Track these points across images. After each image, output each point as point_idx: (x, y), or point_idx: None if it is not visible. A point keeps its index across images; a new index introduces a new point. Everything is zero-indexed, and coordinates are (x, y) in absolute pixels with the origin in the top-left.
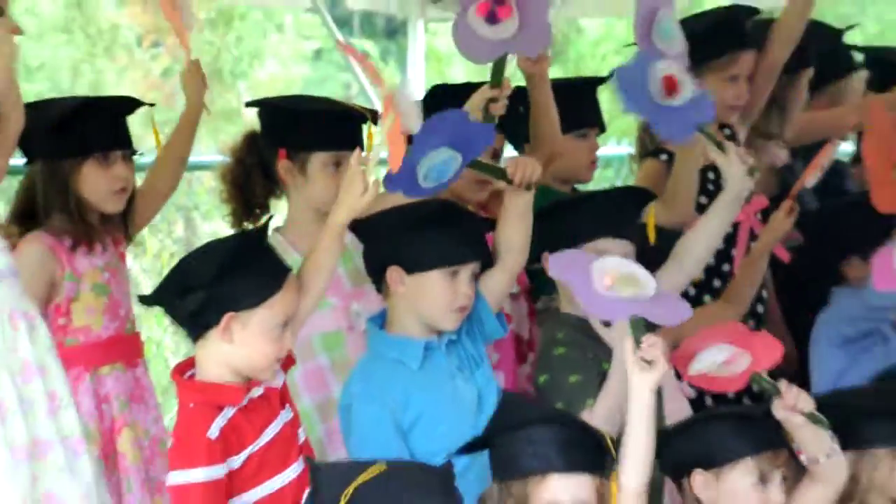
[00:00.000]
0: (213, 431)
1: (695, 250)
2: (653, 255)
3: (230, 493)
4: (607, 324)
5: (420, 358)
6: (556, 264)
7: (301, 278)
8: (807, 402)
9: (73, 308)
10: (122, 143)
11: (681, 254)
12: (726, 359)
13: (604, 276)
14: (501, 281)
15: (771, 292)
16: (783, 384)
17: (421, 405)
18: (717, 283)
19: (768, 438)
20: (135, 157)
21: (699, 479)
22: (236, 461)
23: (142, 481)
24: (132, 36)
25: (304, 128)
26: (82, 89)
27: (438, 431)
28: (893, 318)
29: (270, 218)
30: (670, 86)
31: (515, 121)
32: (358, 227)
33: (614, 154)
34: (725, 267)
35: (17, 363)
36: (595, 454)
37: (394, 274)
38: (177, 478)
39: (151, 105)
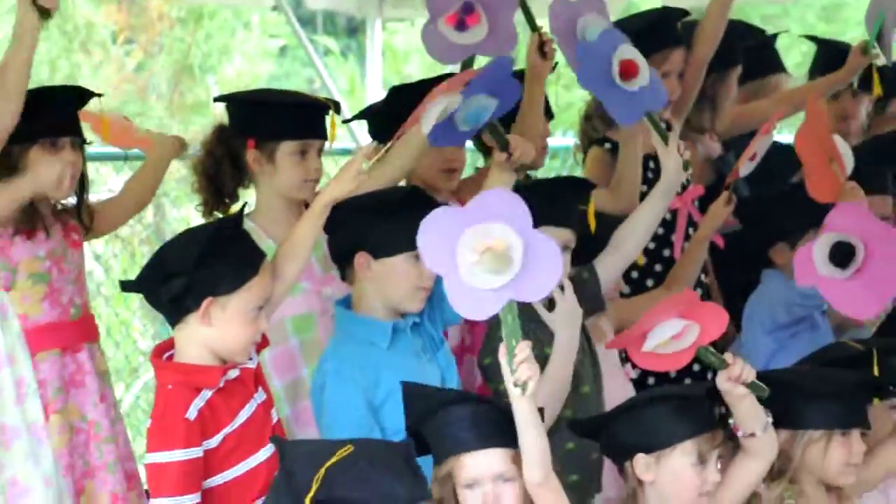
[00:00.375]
0: (192, 413)
1: (632, 236)
2: (596, 242)
3: (206, 473)
4: (550, 307)
5: (389, 338)
6: (428, 230)
7: (276, 263)
8: (750, 373)
9: (10, 296)
10: (71, 130)
11: (620, 240)
12: (676, 333)
13: (473, 248)
14: None
15: (711, 277)
16: (728, 356)
17: (391, 383)
18: (658, 267)
19: (706, 420)
20: (85, 147)
21: (641, 463)
22: (212, 442)
23: (65, 467)
24: (107, 33)
25: (272, 118)
26: (59, 82)
27: None
28: (825, 306)
29: (245, 205)
30: (630, 70)
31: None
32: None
33: (560, 145)
34: (666, 252)
35: None
36: (505, 427)
37: (361, 259)
38: (155, 458)
39: (100, 95)
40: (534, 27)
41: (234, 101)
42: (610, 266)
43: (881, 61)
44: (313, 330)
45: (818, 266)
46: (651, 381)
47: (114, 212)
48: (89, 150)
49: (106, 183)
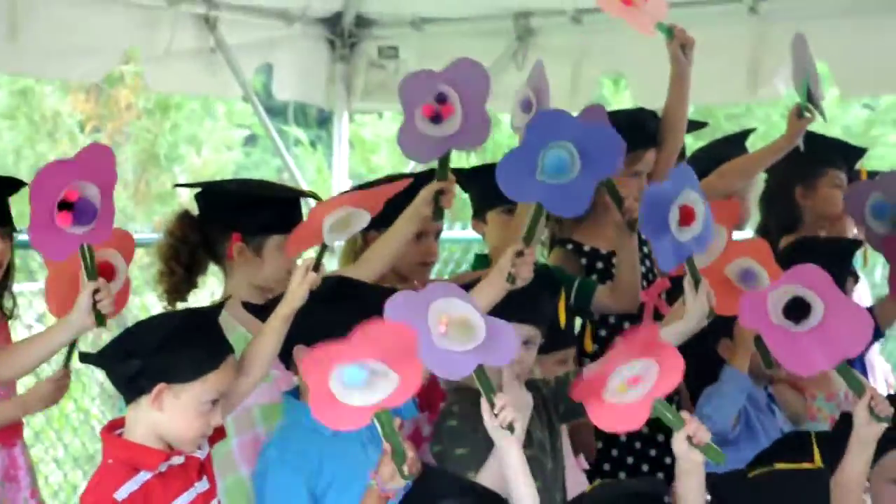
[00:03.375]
0: (122, 493)
1: None
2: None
3: None
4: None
5: None
6: (394, 308)
7: (244, 360)
8: (706, 435)
9: None
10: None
11: None
12: (635, 375)
13: (438, 321)
14: None
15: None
16: (685, 414)
17: (333, 471)
18: None
19: None
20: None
21: None
22: None
23: None
24: (73, 122)
25: (261, 212)
26: (24, 171)
27: (349, 497)
28: (737, 433)
29: (228, 299)
30: (688, 217)
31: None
32: (258, 314)
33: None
34: None
35: None
36: None
37: (300, 353)
38: None
39: (25, 185)
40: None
41: (217, 193)
42: None
43: (819, 120)
44: (278, 419)
45: (771, 314)
46: (606, 466)
47: None
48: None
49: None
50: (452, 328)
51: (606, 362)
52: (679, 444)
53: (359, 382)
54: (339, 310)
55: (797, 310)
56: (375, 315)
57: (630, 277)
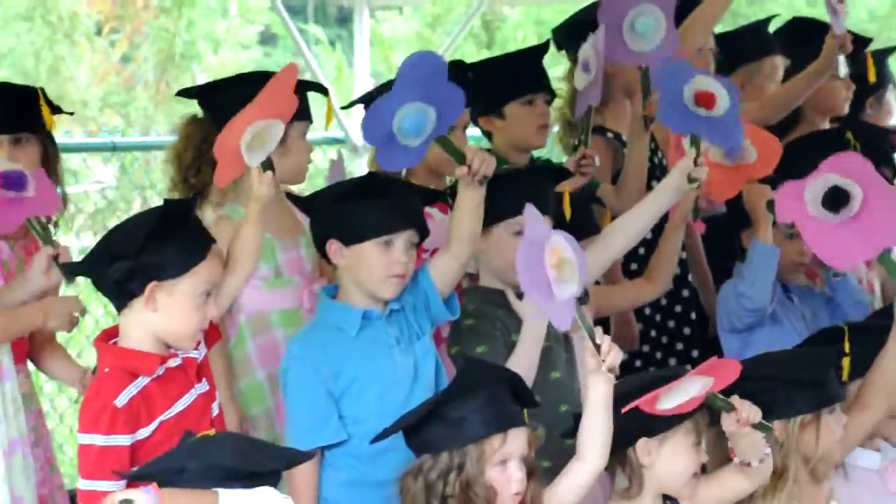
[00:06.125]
0: (122, 399)
1: (622, 235)
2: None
3: (138, 462)
4: (520, 296)
5: (357, 325)
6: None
7: (230, 257)
8: (756, 414)
9: None
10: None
11: (609, 236)
12: (692, 394)
13: (552, 253)
14: (450, 267)
15: (704, 269)
16: (735, 399)
17: (355, 371)
18: (633, 266)
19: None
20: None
21: (643, 448)
22: (145, 431)
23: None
24: (91, 23)
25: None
26: (43, 74)
27: (370, 397)
28: (772, 309)
29: (198, 192)
30: (708, 99)
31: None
32: (301, 204)
33: None
34: (641, 251)
35: None
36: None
37: (332, 247)
38: (80, 439)
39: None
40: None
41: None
42: (596, 260)
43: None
44: (299, 325)
45: (808, 205)
46: (638, 363)
47: None
48: (77, 140)
49: (94, 175)
50: (560, 268)
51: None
52: (729, 425)
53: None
54: (373, 206)
55: (836, 199)
56: (410, 213)
57: (638, 174)
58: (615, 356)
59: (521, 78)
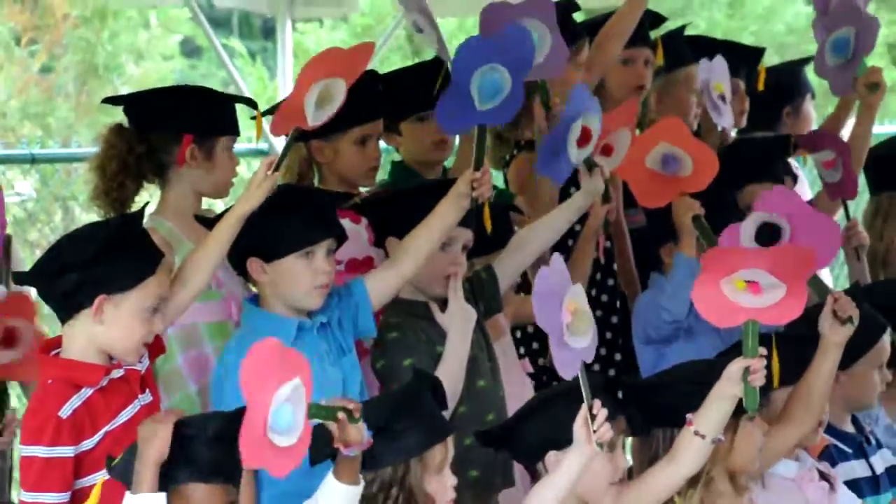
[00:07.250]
0: (66, 411)
1: (536, 240)
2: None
3: (81, 473)
4: (443, 307)
5: (293, 335)
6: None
7: (183, 269)
8: (761, 378)
9: None
10: None
11: (522, 242)
12: (758, 283)
13: (567, 307)
14: (390, 283)
15: (631, 270)
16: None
17: None
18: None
19: (612, 408)
20: None
21: (552, 460)
22: (90, 442)
23: None
24: (9, 34)
25: (211, 113)
26: None
27: None
28: (687, 323)
29: (147, 204)
30: (586, 137)
31: None
32: (211, 225)
33: None
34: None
35: None
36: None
37: (253, 265)
38: (23, 451)
39: None
40: None
41: (162, 98)
42: (510, 267)
43: None
44: (227, 337)
45: (744, 243)
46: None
47: None
48: None
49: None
50: (575, 318)
51: (747, 252)
52: (733, 368)
53: None
54: (290, 219)
55: (769, 233)
56: (328, 221)
57: (547, 183)
58: (607, 431)
59: (415, 94)
